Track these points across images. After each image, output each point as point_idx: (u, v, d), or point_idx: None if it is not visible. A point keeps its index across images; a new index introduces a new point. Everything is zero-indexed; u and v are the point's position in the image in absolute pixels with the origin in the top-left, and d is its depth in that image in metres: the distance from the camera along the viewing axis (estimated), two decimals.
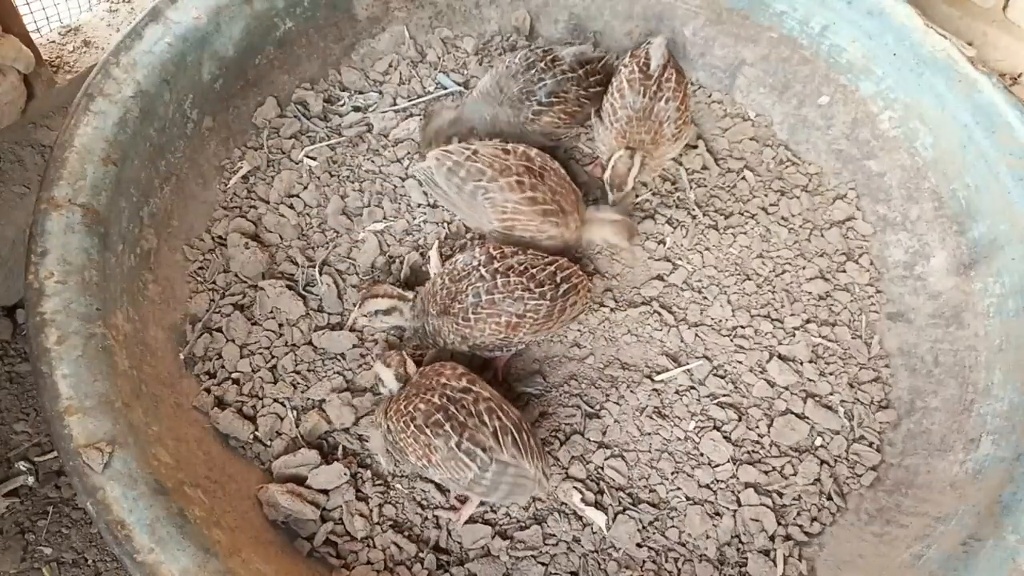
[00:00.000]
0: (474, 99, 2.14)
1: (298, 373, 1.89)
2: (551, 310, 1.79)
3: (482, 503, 1.75)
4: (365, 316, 1.83)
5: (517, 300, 1.75)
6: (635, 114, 2.02)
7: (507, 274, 1.75)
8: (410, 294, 1.83)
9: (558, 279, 1.80)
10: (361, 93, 2.34)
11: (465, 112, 2.11)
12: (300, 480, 1.74)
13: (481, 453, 1.57)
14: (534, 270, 1.77)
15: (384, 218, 2.13)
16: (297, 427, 1.82)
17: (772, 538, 1.79)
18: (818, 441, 1.91)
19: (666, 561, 1.75)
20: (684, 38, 2.41)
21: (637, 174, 2.01)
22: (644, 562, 1.75)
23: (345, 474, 1.74)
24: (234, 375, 1.86)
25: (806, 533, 1.81)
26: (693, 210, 2.22)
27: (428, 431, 1.57)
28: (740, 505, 1.82)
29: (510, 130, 2.12)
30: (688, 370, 1.97)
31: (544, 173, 1.92)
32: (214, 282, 1.97)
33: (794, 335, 2.05)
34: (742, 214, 2.23)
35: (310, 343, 1.93)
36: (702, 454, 1.87)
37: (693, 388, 1.95)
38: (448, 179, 1.91)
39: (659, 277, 2.11)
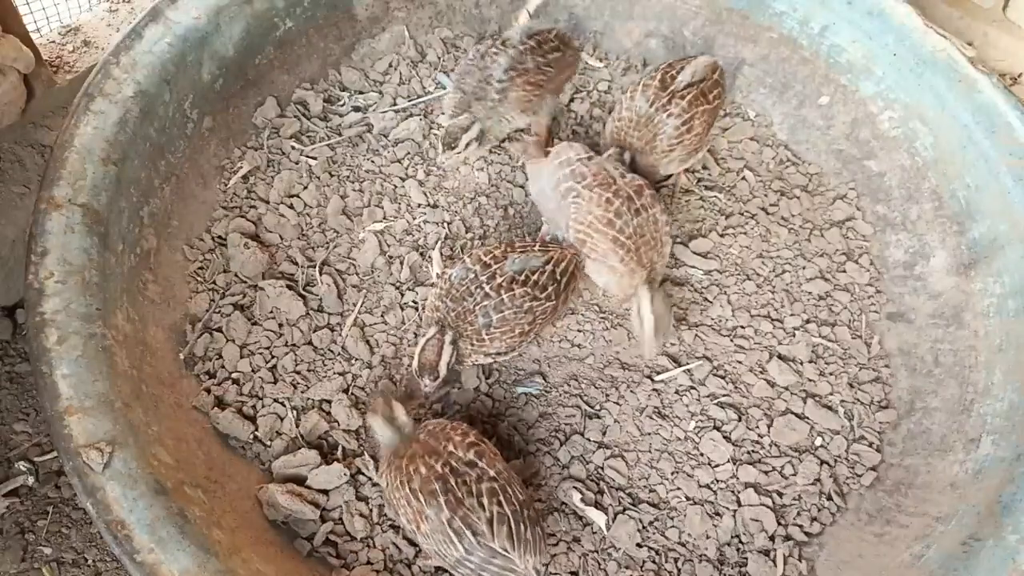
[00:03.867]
0: (454, 111, 2.11)
1: (298, 373, 1.89)
2: (556, 304, 1.81)
3: None
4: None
5: (528, 312, 1.75)
6: (637, 118, 2.02)
7: (511, 287, 1.73)
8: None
9: (558, 275, 1.79)
10: (361, 93, 2.34)
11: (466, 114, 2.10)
12: (300, 480, 1.74)
13: (471, 536, 1.48)
14: (535, 276, 1.76)
15: (384, 218, 2.13)
16: (297, 427, 1.82)
17: (772, 538, 1.79)
18: (818, 441, 1.91)
19: (666, 561, 1.75)
20: (684, 38, 2.41)
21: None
22: (644, 562, 1.75)
23: (345, 474, 1.74)
24: (234, 375, 1.86)
25: (806, 533, 1.81)
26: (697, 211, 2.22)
27: (421, 498, 1.51)
28: (740, 505, 1.82)
29: (487, 122, 2.10)
30: (688, 370, 1.97)
31: (641, 212, 1.84)
32: (214, 282, 1.97)
33: (794, 335, 2.05)
34: (742, 214, 2.23)
35: (310, 343, 1.93)
36: (702, 454, 1.87)
37: (693, 388, 1.95)
38: (555, 172, 1.91)
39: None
